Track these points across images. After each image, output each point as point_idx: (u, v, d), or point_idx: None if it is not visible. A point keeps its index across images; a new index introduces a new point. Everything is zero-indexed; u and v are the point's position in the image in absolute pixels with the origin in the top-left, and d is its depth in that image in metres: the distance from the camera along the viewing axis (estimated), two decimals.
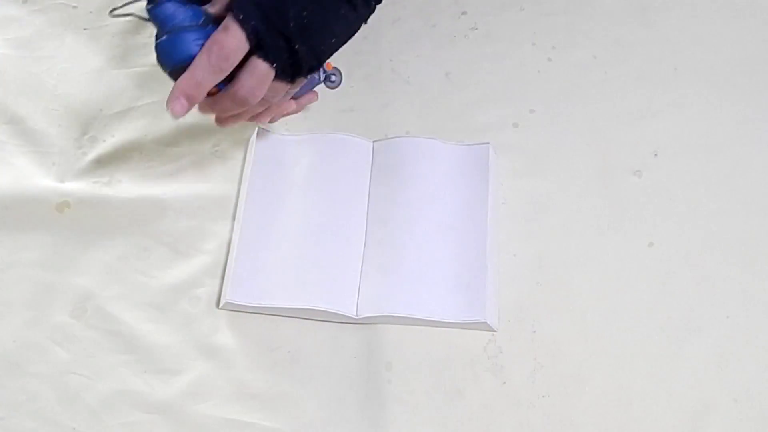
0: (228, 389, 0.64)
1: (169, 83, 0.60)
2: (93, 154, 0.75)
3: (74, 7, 0.84)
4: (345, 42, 0.60)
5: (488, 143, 0.72)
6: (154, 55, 0.77)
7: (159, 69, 0.60)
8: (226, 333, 0.66)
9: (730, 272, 0.67)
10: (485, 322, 0.64)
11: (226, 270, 0.68)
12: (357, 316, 0.65)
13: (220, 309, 0.67)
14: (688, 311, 0.66)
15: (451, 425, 0.62)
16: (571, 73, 0.78)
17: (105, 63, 0.79)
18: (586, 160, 0.73)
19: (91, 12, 0.84)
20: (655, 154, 0.74)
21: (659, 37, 0.80)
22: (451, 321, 0.64)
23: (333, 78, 0.69)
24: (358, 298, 0.66)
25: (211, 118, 0.64)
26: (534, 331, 0.65)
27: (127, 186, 0.73)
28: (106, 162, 0.75)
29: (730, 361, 0.64)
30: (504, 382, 0.64)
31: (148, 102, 0.78)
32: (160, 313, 0.67)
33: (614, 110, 0.76)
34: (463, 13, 0.83)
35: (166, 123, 0.77)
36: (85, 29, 0.83)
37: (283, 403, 0.63)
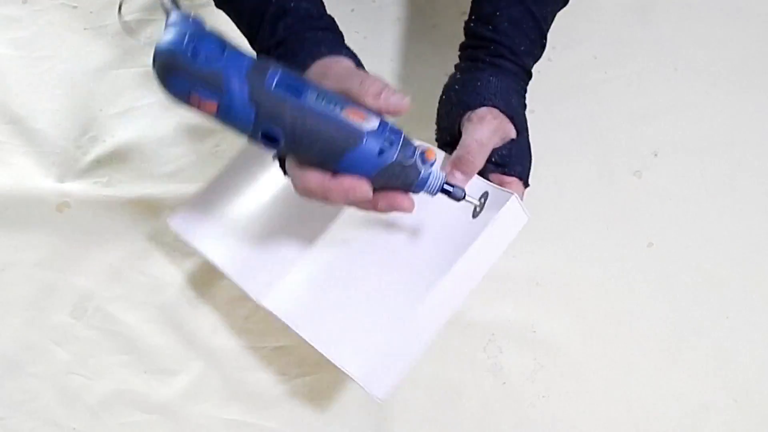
0: (227, 389, 0.64)
1: None
2: (93, 154, 0.75)
3: (74, 7, 0.84)
4: None
5: (512, 194, 0.53)
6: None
7: None
8: (226, 333, 0.66)
9: (730, 272, 0.67)
10: (372, 393, 0.51)
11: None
12: (258, 301, 0.58)
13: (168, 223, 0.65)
14: (688, 311, 0.66)
15: (451, 425, 0.62)
16: (571, 73, 0.78)
17: (105, 63, 0.79)
18: (586, 160, 0.73)
19: (91, 12, 0.84)
20: (655, 154, 0.74)
21: (659, 37, 0.80)
22: (345, 370, 0.52)
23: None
24: (273, 287, 0.58)
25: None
26: (534, 331, 0.65)
27: (126, 186, 0.73)
28: (106, 162, 0.75)
29: (730, 361, 0.64)
30: (504, 382, 0.63)
31: (148, 102, 0.78)
32: (160, 313, 0.67)
33: (614, 110, 0.76)
34: (463, 13, 0.83)
35: (166, 123, 0.77)
36: (85, 29, 0.83)
37: (284, 403, 0.63)
